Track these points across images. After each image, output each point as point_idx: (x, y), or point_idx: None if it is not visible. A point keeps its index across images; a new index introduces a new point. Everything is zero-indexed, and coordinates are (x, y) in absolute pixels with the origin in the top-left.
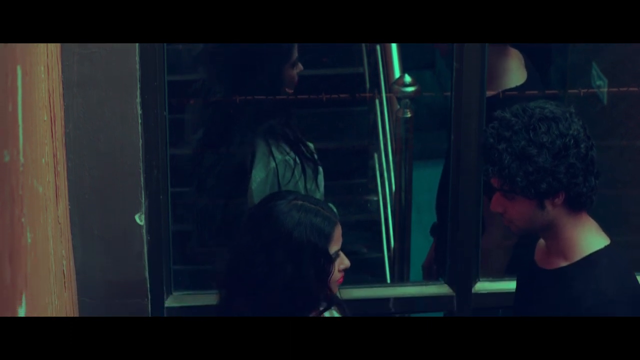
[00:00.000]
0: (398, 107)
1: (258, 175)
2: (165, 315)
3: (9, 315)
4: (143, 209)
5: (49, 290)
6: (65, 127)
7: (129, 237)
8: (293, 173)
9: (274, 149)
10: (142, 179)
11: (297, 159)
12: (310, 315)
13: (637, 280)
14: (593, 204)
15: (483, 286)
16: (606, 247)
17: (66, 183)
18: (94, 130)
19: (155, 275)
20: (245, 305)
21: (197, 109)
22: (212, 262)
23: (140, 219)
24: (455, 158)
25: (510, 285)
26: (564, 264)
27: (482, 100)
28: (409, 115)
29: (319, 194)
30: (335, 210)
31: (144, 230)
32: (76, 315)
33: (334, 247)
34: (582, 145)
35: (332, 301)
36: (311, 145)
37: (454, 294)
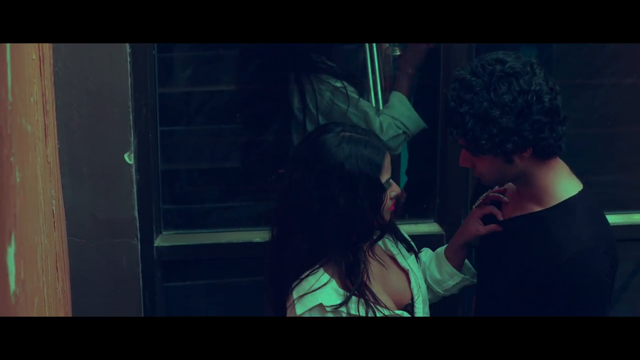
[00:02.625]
0: (387, 45)
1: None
2: (154, 255)
3: None
4: (132, 148)
5: (38, 230)
6: (55, 66)
7: (118, 176)
8: (348, 101)
9: (322, 82)
10: (131, 117)
11: (345, 88)
12: (363, 246)
13: (608, 224)
14: (563, 150)
15: None
16: (580, 192)
17: (55, 122)
18: (83, 69)
19: (145, 214)
20: (302, 240)
21: (187, 47)
22: (201, 201)
23: (129, 158)
24: (444, 96)
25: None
26: (538, 209)
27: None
28: (397, 53)
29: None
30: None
31: (134, 169)
32: (65, 255)
33: (385, 175)
34: (546, 99)
35: (385, 229)
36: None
37: (444, 233)
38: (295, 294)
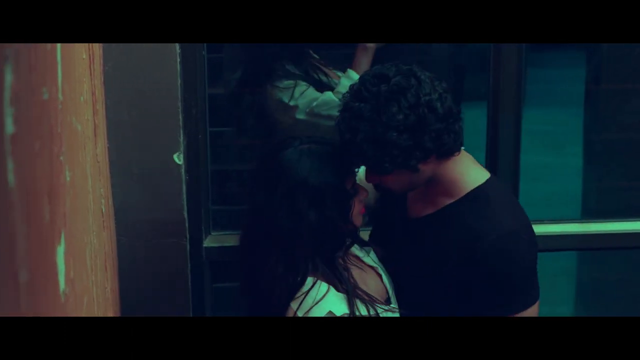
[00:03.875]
0: None
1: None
2: (203, 255)
3: (48, 254)
4: (182, 148)
5: (88, 229)
6: (105, 66)
7: (167, 176)
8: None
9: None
10: (180, 118)
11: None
12: (338, 255)
13: (523, 210)
14: (462, 143)
15: None
16: (488, 180)
17: (105, 121)
18: (133, 69)
19: (194, 215)
20: (277, 262)
21: (236, 48)
22: None
23: (179, 158)
24: (493, 99)
25: (549, 228)
26: (450, 201)
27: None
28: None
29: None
30: None
31: (183, 170)
32: (114, 254)
33: (350, 181)
34: (438, 105)
35: (356, 235)
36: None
37: None
38: (300, 313)
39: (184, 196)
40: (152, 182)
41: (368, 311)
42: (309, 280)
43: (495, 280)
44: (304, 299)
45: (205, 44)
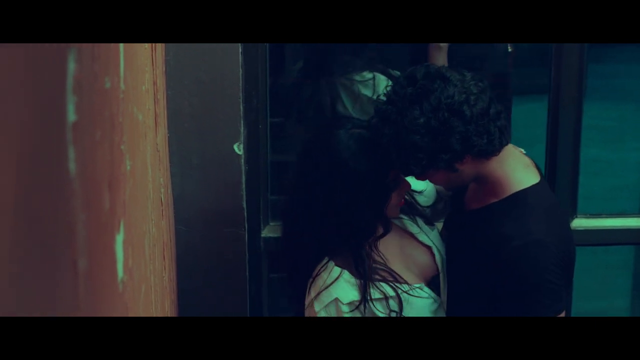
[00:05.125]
0: None
1: None
2: (261, 245)
3: (108, 242)
4: (242, 139)
5: (147, 218)
6: (166, 55)
7: (227, 166)
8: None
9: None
10: (241, 108)
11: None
12: (367, 242)
13: (566, 221)
14: (505, 143)
15: (581, 223)
16: (535, 185)
17: (166, 111)
18: (195, 59)
19: (253, 205)
20: (309, 237)
21: None
22: None
23: (238, 149)
24: (554, 93)
25: (608, 222)
26: (493, 200)
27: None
28: (509, 50)
29: None
30: None
31: (242, 160)
32: (172, 244)
33: (393, 174)
34: (465, 108)
35: (388, 226)
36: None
37: None
38: (312, 293)
39: (243, 186)
40: (211, 172)
41: (395, 293)
42: (326, 262)
43: (515, 287)
44: (315, 278)
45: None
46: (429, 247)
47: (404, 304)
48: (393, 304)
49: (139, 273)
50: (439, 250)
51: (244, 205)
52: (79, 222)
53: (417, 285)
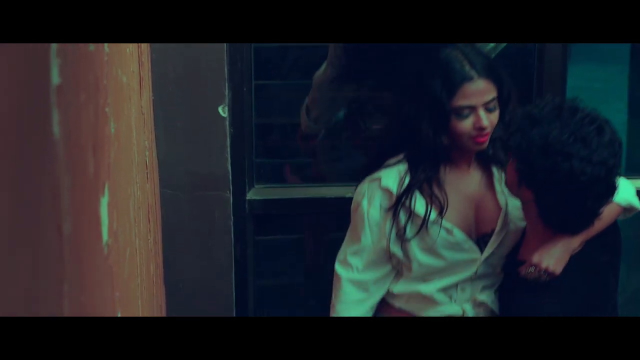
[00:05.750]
0: None
1: None
2: (247, 208)
3: (92, 205)
4: (226, 101)
5: (132, 180)
6: None
7: (212, 129)
8: None
9: None
10: (225, 70)
11: None
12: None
13: (608, 278)
14: (571, 231)
15: None
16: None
17: (150, 74)
18: None
19: (238, 167)
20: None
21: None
22: (294, 155)
23: (223, 111)
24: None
25: None
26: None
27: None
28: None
29: None
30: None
31: (227, 123)
32: (157, 207)
33: (461, 101)
34: (574, 185)
35: (446, 155)
36: None
37: None
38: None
39: (228, 149)
40: (196, 135)
41: (427, 208)
42: (402, 156)
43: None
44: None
45: None
46: (500, 208)
47: (421, 229)
48: (413, 221)
49: (123, 236)
50: (507, 215)
51: (229, 168)
52: (64, 186)
53: (449, 225)
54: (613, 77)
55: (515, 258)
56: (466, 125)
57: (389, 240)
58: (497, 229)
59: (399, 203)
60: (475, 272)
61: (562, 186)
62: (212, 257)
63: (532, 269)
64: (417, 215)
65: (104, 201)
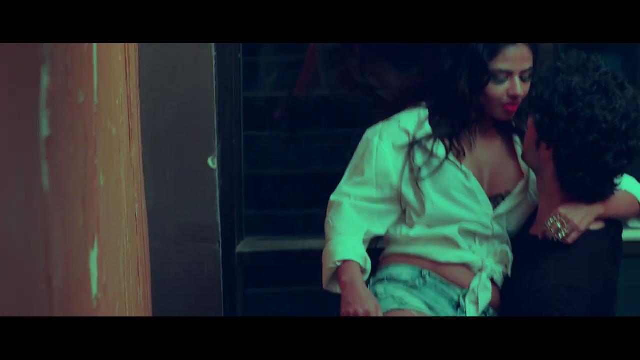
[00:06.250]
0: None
1: None
2: (236, 261)
3: (82, 258)
4: (216, 153)
5: (121, 233)
6: (140, 69)
7: (201, 180)
8: None
9: None
10: (215, 122)
11: None
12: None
13: (612, 274)
14: (587, 198)
15: None
16: (592, 232)
17: (140, 125)
18: (169, 73)
19: (227, 219)
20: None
21: (271, 51)
22: (284, 207)
23: (213, 163)
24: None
25: None
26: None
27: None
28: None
29: None
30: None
31: (217, 174)
32: (147, 259)
33: (502, 64)
34: (593, 135)
35: (481, 118)
36: None
37: None
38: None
39: (218, 200)
40: (185, 186)
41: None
42: (424, 103)
43: None
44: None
45: (241, 46)
46: (521, 173)
47: (438, 170)
48: (430, 161)
49: (113, 289)
50: (526, 183)
51: (219, 220)
52: (54, 238)
53: (466, 169)
54: None
55: (526, 233)
56: (500, 90)
57: (401, 178)
58: (517, 190)
59: (416, 143)
60: (492, 229)
61: (583, 136)
62: (201, 310)
63: (555, 219)
64: (436, 156)
65: (94, 254)
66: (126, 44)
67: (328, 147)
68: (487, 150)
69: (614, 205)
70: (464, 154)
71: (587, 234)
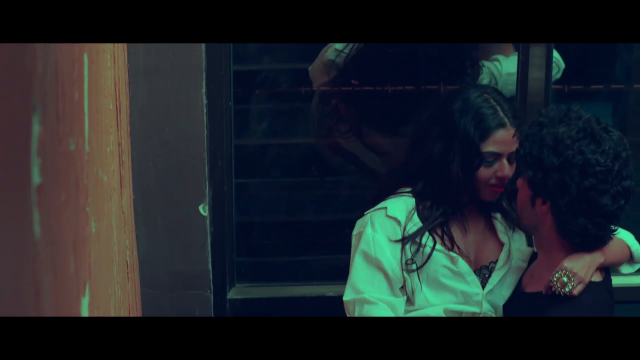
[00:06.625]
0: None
1: None
2: (227, 307)
3: (73, 305)
4: (207, 200)
5: (112, 280)
6: (131, 117)
7: (192, 228)
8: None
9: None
10: (206, 169)
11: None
12: (455, 212)
13: None
14: (589, 246)
15: None
16: (593, 284)
17: (131, 173)
18: (159, 120)
19: (219, 266)
20: (394, 169)
21: (263, 99)
22: (275, 254)
23: (204, 210)
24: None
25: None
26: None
27: (547, 92)
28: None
29: None
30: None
31: (208, 221)
32: (139, 306)
33: (492, 147)
34: (588, 180)
35: (474, 202)
36: None
37: None
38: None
39: (209, 248)
40: (177, 234)
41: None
42: (408, 189)
43: None
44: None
45: (232, 95)
46: (502, 243)
47: (427, 260)
48: (421, 252)
49: None
50: (508, 250)
51: (210, 267)
52: (45, 285)
53: (455, 255)
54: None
55: (520, 292)
56: (489, 172)
57: (400, 266)
58: (500, 263)
59: (408, 238)
60: (480, 308)
61: (578, 183)
62: None
63: (561, 273)
64: (425, 247)
65: (85, 301)
66: (116, 92)
67: (318, 195)
68: (472, 229)
69: (611, 253)
70: (454, 240)
71: (589, 285)
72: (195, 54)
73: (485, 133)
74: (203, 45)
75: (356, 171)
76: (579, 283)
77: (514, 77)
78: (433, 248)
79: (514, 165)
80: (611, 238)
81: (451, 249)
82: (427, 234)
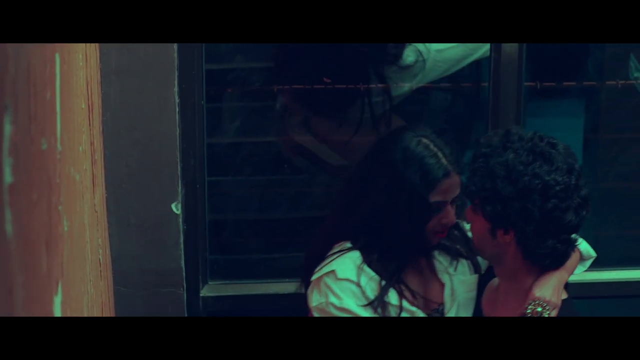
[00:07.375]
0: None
1: None
2: (200, 305)
3: (46, 303)
4: (180, 198)
5: (85, 279)
6: (103, 116)
7: (165, 226)
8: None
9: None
10: (179, 167)
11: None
12: (406, 262)
13: None
14: (556, 265)
15: None
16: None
17: (103, 171)
18: (132, 119)
19: (191, 264)
20: (334, 220)
21: (235, 97)
22: (248, 251)
23: (176, 208)
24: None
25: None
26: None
27: (520, 90)
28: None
29: None
30: None
31: (181, 219)
32: (111, 304)
33: (438, 197)
34: (551, 202)
35: (425, 250)
36: None
37: None
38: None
39: (182, 246)
40: (149, 232)
41: (399, 302)
42: (349, 244)
43: None
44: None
45: (204, 93)
46: (442, 284)
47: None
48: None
49: None
50: (451, 290)
51: (183, 265)
52: (17, 284)
53: (414, 309)
54: (568, 131)
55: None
56: (434, 220)
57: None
58: (448, 305)
59: (378, 299)
60: None
61: (540, 206)
62: None
63: (534, 304)
64: (390, 305)
65: (57, 300)
66: (89, 92)
67: (291, 193)
68: (417, 272)
69: (571, 264)
70: (414, 292)
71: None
72: (168, 53)
73: (431, 184)
74: (175, 45)
75: (314, 167)
76: (554, 309)
77: (446, 54)
78: (400, 308)
79: (455, 207)
80: (574, 250)
81: (413, 302)
82: (391, 292)
